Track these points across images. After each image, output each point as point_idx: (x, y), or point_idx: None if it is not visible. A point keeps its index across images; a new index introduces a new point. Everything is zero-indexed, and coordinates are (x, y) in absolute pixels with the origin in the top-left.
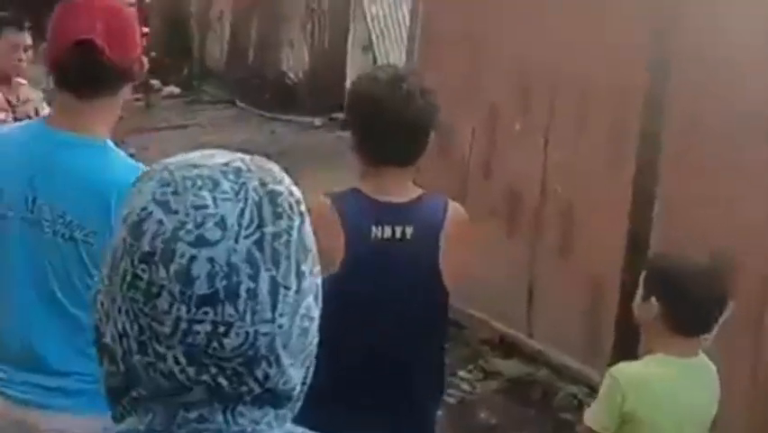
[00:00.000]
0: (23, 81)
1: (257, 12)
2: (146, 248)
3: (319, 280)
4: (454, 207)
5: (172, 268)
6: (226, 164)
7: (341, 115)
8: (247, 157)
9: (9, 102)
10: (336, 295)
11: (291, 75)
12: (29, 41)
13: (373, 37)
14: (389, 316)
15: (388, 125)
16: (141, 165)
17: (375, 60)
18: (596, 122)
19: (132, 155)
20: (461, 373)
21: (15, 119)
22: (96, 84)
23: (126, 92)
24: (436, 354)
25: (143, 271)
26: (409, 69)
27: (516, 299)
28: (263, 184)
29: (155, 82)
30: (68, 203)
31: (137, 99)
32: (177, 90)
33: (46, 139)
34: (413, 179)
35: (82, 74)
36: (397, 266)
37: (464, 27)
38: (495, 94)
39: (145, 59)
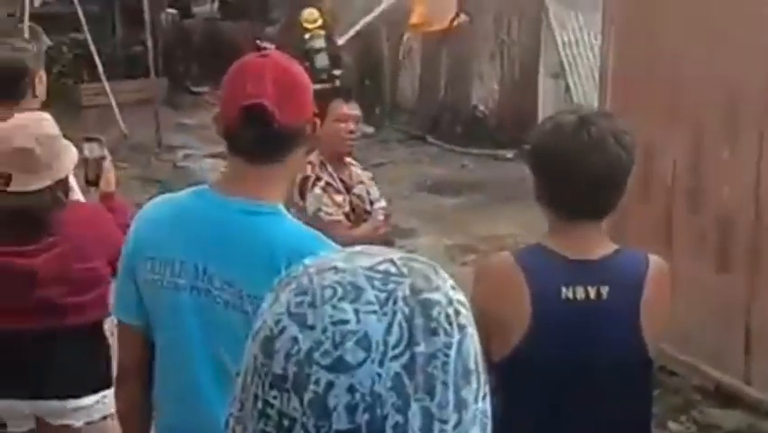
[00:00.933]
0: (354, 162)
1: (446, 46)
2: (278, 370)
3: (488, 405)
4: (656, 263)
5: (306, 397)
6: (372, 267)
7: None
8: (399, 256)
9: (343, 182)
10: (521, 370)
11: (481, 107)
12: (356, 111)
13: (565, 64)
14: (586, 389)
15: (576, 177)
16: (314, 232)
17: (567, 88)
18: None
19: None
20: (673, 426)
21: (351, 203)
22: (267, 150)
23: (301, 154)
24: (643, 430)
25: (275, 398)
26: (599, 111)
27: (733, 341)
28: (415, 292)
29: None
30: (239, 272)
31: None
32: (370, 130)
33: (218, 206)
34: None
35: (253, 140)
36: (592, 331)
37: (660, 48)
38: (698, 118)
39: (318, 120)
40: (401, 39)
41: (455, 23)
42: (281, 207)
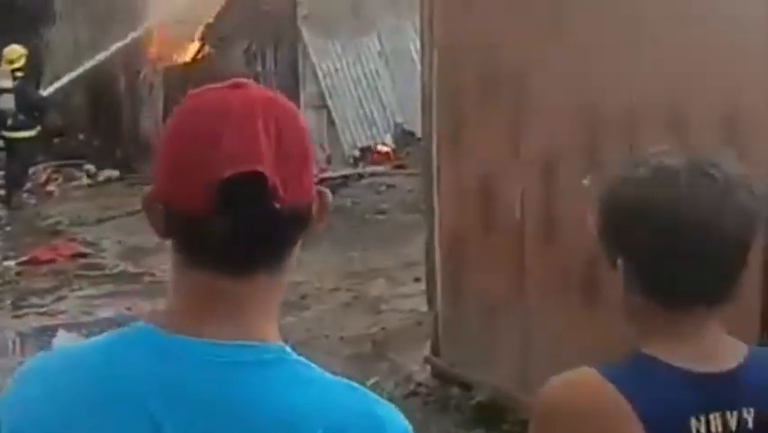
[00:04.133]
0: None
1: (191, 80)
2: None
3: None
4: None
5: None
6: None
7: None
8: None
9: None
10: None
11: None
12: None
13: (326, 95)
14: None
15: (697, 245)
16: (356, 386)
17: (331, 119)
18: None
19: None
20: None
21: None
22: (261, 250)
23: (297, 253)
24: None
25: None
26: (715, 152)
27: None
28: None
29: (89, 167)
30: None
31: (75, 188)
32: (115, 173)
33: (176, 356)
34: None
35: (238, 234)
36: None
37: (499, 64)
38: (549, 142)
39: (328, 194)
40: (138, 75)
41: (199, 54)
42: (284, 344)
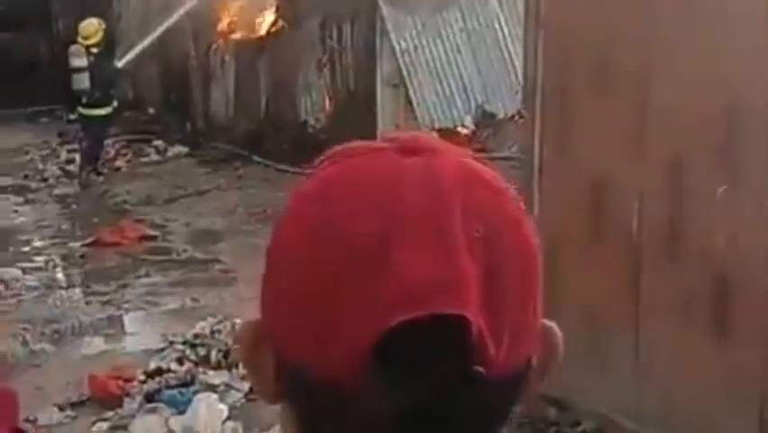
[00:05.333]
0: None
1: (264, 56)
2: None
3: None
4: None
5: None
6: None
7: None
8: None
9: None
10: None
11: (312, 121)
12: None
13: (404, 72)
14: None
15: None
16: None
17: (408, 99)
18: None
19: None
20: None
21: None
22: None
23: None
24: None
25: None
26: None
27: (741, 420)
28: None
29: (159, 143)
30: None
31: (144, 164)
32: (184, 150)
33: None
34: None
35: (420, 420)
36: None
37: (616, 48)
38: (675, 141)
39: (557, 333)
40: (209, 49)
41: (273, 28)
42: None
